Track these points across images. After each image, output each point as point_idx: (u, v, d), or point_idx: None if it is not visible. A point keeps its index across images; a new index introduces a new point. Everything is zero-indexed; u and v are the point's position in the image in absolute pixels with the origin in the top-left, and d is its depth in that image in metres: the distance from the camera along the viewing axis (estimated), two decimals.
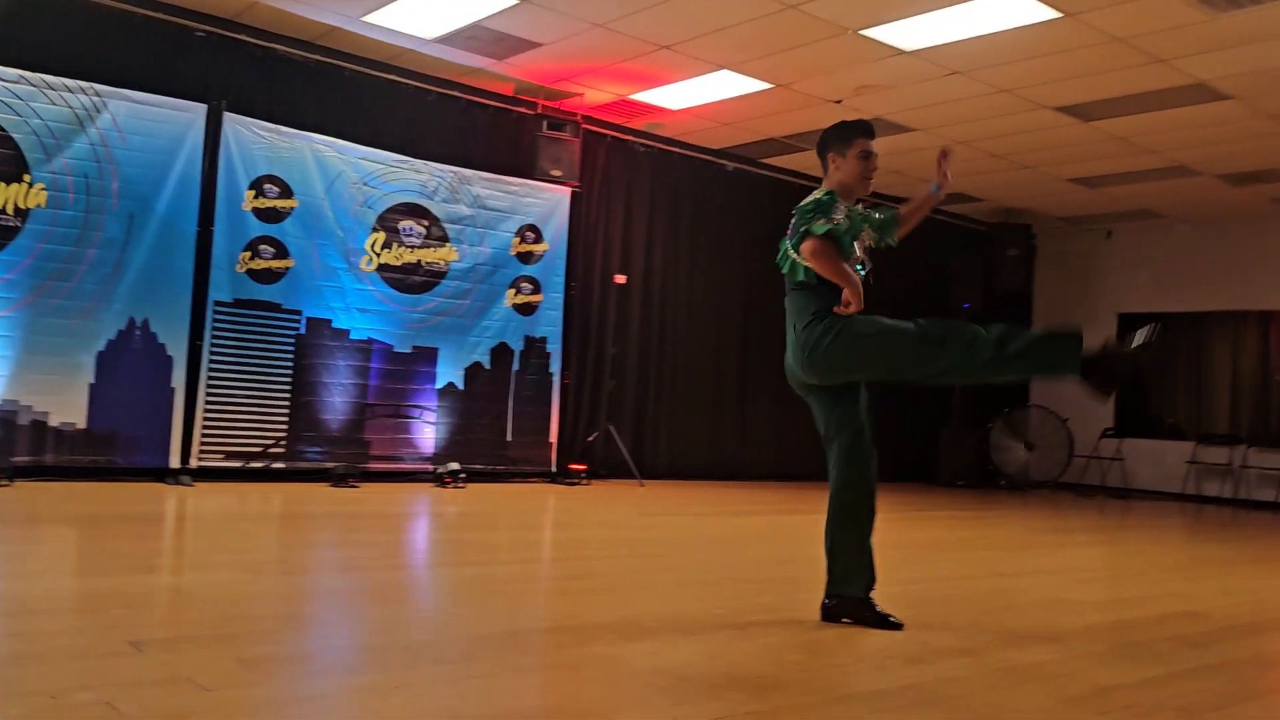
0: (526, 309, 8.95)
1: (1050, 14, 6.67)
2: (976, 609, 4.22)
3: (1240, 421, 12.39)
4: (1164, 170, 10.17)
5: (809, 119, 9.22)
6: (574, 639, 3.34)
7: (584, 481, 8.93)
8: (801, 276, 3.65)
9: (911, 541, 6.54)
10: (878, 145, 3.84)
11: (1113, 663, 3.42)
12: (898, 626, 3.64)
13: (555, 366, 9.11)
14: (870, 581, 3.75)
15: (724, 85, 8.47)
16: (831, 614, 3.75)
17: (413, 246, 8.34)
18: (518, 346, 8.89)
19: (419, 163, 8.41)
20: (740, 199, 10.77)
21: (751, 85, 8.42)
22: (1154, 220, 12.39)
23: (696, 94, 8.76)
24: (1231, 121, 8.53)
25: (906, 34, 7.15)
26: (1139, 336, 3.53)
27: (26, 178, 6.73)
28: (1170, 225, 12.43)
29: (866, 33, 7.16)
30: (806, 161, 10.67)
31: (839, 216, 3.58)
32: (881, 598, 3.79)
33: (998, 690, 2.96)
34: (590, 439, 9.50)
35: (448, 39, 7.83)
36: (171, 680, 2.56)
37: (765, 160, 10.77)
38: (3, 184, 6.65)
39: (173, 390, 7.22)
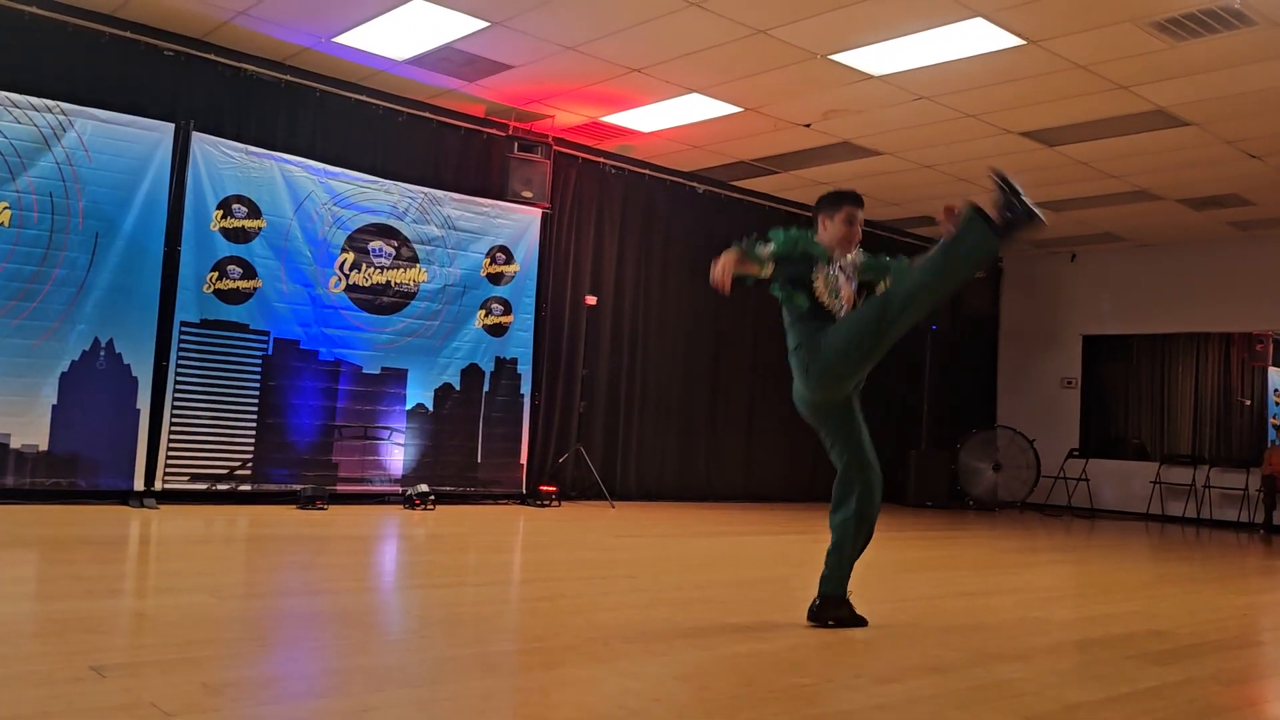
0: (497, 330, 8.94)
1: (1015, 41, 6.77)
2: (945, 628, 4.24)
3: (1203, 442, 12.56)
4: (1126, 195, 10.33)
5: (778, 142, 9.30)
6: (544, 661, 3.32)
7: (554, 503, 8.90)
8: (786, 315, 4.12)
9: (881, 562, 6.56)
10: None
11: (1079, 681, 3.45)
12: (863, 623, 4.06)
13: (526, 388, 9.10)
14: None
15: (694, 108, 8.53)
16: (818, 613, 4.07)
17: (382, 267, 8.32)
18: (488, 368, 8.87)
19: (389, 183, 8.40)
20: (711, 221, 10.82)
21: (721, 109, 8.49)
22: (1117, 244, 12.57)
23: (667, 117, 8.81)
24: (1191, 147, 8.69)
25: (875, 59, 7.23)
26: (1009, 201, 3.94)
27: None
28: (1133, 249, 12.62)
29: (835, 58, 7.24)
30: (776, 184, 10.76)
31: (766, 251, 3.97)
32: None
33: (966, 708, 2.97)
34: (560, 460, 9.49)
35: (419, 60, 7.84)
36: (134, 706, 2.53)
37: (735, 183, 10.85)
38: None
39: (138, 412, 7.14)
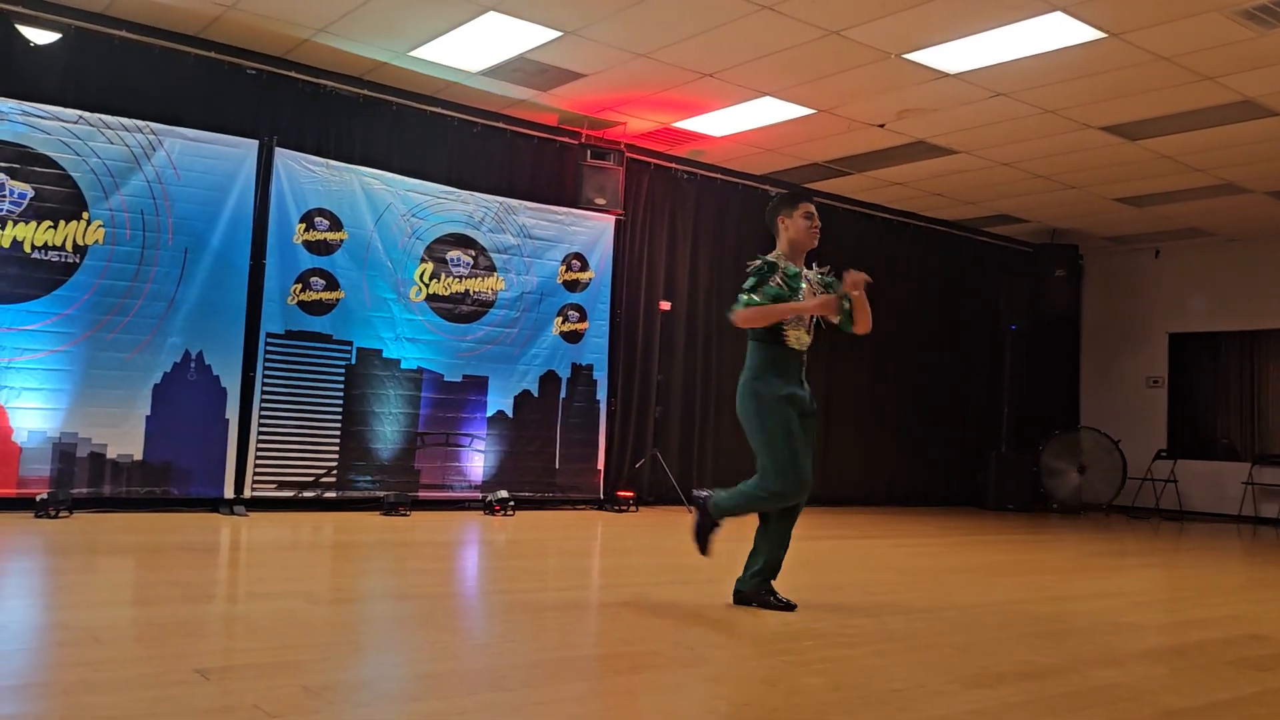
0: (573, 337, 9.01)
1: (1095, 34, 6.64)
2: (1035, 633, 4.17)
3: None
4: (1212, 188, 10.06)
5: (852, 143, 9.24)
6: (630, 665, 3.34)
7: (632, 508, 8.94)
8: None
9: (965, 566, 6.47)
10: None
11: (1177, 687, 3.37)
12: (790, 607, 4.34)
13: (602, 394, 9.15)
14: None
15: (766, 111, 8.51)
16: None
17: (460, 276, 8.44)
18: (565, 374, 8.95)
19: (465, 193, 8.52)
20: None
21: (794, 111, 8.46)
22: (1203, 239, 12.24)
23: (739, 121, 8.80)
24: None
25: (950, 57, 7.15)
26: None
27: (85, 215, 6.90)
28: (1220, 243, 12.27)
29: (909, 56, 7.17)
30: (850, 185, 10.68)
31: (770, 282, 4.34)
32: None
33: (1061, 715, 2.92)
34: (637, 466, 9.51)
35: (493, 71, 7.95)
36: (238, 708, 2.60)
37: (808, 185, 10.78)
38: (62, 221, 6.83)
39: (226, 421, 7.34)
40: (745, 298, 4.33)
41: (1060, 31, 6.63)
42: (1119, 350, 13.24)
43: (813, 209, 4.48)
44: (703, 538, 4.57)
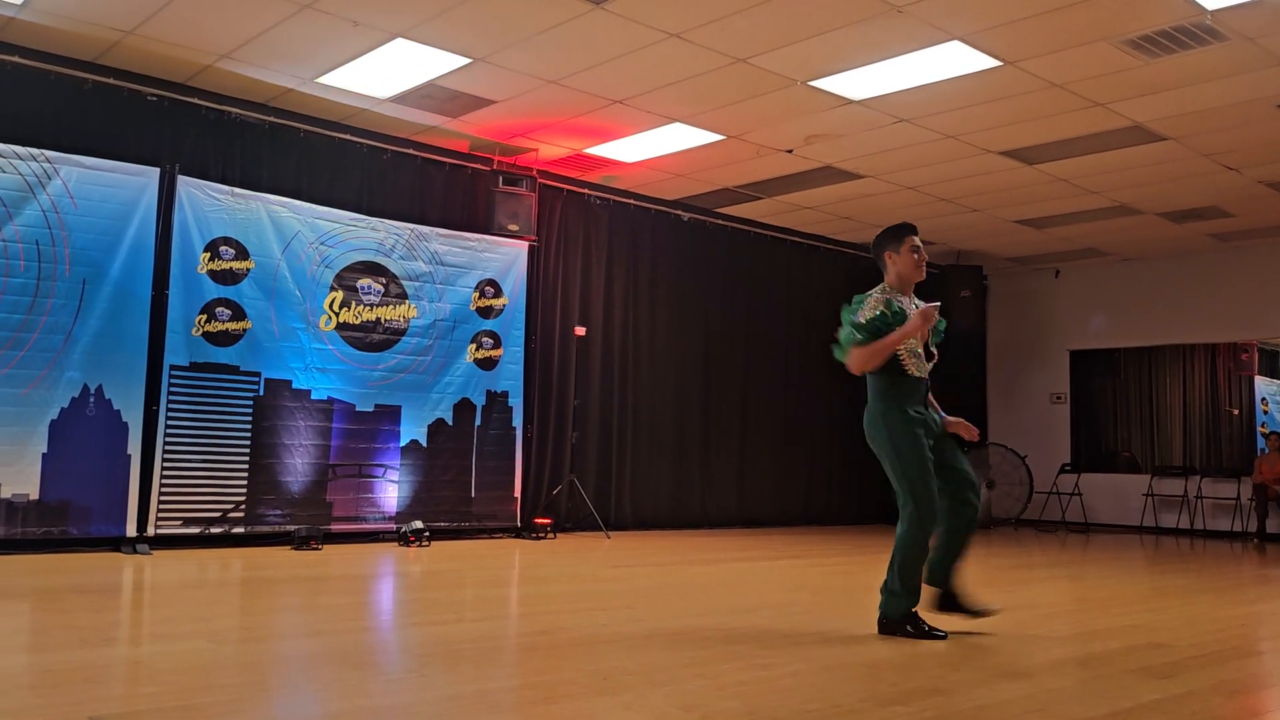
0: (487, 364, 8.95)
1: (991, 63, 6.85)
2: (946, 649, 4.23)
3: (1193, 453, 12.62)
4: (1107, 210, 10.42)
5: (761, 169, 9.37)
6: (546, 695, 3.31)
7: (549, 536, 8.88)
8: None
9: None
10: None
11: (1082, 697, 3.45)
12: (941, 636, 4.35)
13: (518, 421, 9.10)
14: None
15: (677, 137, 8.59)
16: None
17: (371, 304, 8.33)
18: (480, 401, 8.87)
19: (376, 221, 8.43)
20: (697, 248, 10.89)
21: (704, 137, 8.55)
22: (1100, 259, 12.67)
23: (650, 147, 8.87)
24: (1169, 161, 8.78)
25: (854, 84, 7.31)
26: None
27: None
28: (1116, 263, 12.71)
29: (815, 84, 7.31)
30: (761, 210, 10.82)
31: (867, 314, 4.36)
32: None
33: None
34: (554, 492, 9.47)
35: (402, 98, 7.89)
36: None
37: (720, 210, 10.91)
38: None
39: (128, 457, 7.12)
40: (846, 332, 4.36)
41: (958, 60, 6.83)
42: (1023, 368, 13.61)
43: (918, 241, 4.52)
44: (927, 634, 4.37)
